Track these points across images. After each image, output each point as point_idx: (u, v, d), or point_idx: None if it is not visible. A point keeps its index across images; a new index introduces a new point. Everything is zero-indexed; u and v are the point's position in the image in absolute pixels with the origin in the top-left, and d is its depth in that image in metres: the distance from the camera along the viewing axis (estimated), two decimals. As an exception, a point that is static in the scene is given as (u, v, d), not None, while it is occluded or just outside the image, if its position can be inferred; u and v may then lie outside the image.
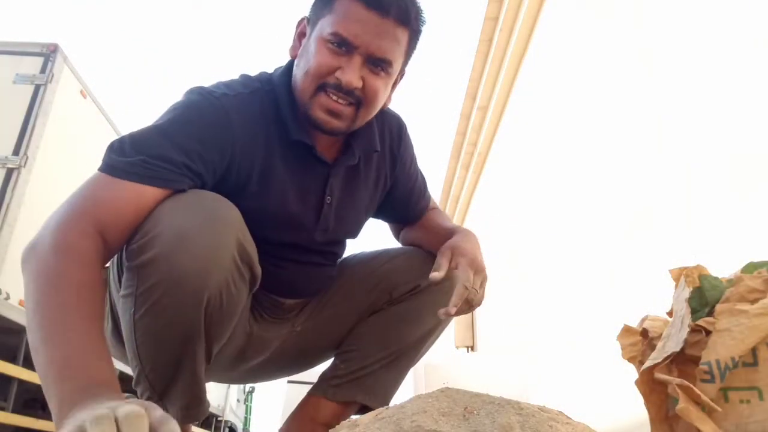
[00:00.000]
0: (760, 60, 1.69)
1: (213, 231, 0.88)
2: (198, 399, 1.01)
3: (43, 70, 4.06)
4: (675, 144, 2.19)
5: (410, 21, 1.00)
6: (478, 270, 1.08)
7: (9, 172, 3.77)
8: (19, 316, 3.69)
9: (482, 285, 1.09)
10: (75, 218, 0.84)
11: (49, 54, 4.11)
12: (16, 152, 3.81)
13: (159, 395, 0.97)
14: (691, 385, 0.72)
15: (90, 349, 0.73)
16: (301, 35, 1.06)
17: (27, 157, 3.81)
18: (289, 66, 1.09)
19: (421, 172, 1.34)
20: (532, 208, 4.19)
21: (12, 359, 3.75)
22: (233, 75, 1.11)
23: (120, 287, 0.94)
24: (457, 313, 1.06)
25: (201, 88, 1.01)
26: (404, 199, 1.29)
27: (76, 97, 4.44)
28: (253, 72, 1.13)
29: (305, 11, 1.08)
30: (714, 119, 1.93)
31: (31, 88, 4.00)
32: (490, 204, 5.82)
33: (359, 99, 1.00)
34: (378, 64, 0.99)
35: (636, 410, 1.08)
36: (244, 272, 0.95)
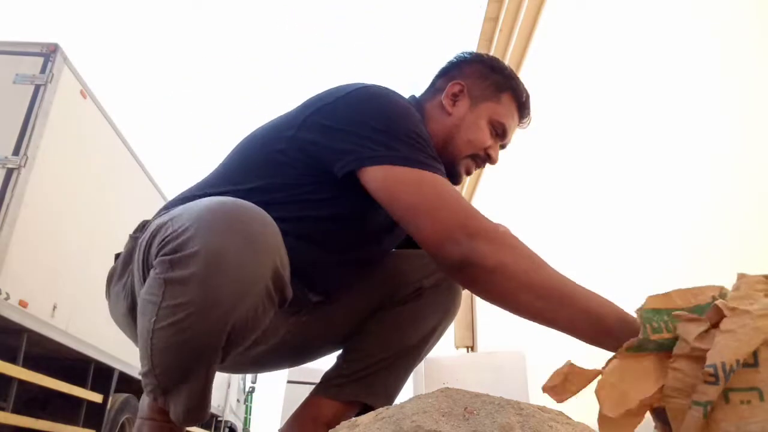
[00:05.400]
0: (760, 59, 1.69)
1: (250, 259, 0.86)
2: (202, 404, 1.00)
3: (43, 70, 4.05)
4: (675, 143, 2.18)
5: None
6: None
7: (9, 172, 3.75)
8: (19, 316, 3.67)
9: None
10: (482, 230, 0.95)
11: (49, 54, 4.10)
12: (16, 152, 3.80)
13: (163, 392, 0.98)
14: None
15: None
16: (455, 96, 1.23)
17: (27, 157, 3.80)
18: (416, 103, 1.23)
19: None
20: (532, 207, 4.19)
21: (12, 359, 3.73)
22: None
23: (143, 281, 0.94)
24: None
25: (377, 86, 1.11)
26: None
27: (76, 97, 4.42)
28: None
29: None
30: (714, 118, 1.93)
31: (31, 88, 3.98)
32: (490, 203, 5.81)
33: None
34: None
35: (636, 410, 1.07)
36: (274, 297, 0.94)
